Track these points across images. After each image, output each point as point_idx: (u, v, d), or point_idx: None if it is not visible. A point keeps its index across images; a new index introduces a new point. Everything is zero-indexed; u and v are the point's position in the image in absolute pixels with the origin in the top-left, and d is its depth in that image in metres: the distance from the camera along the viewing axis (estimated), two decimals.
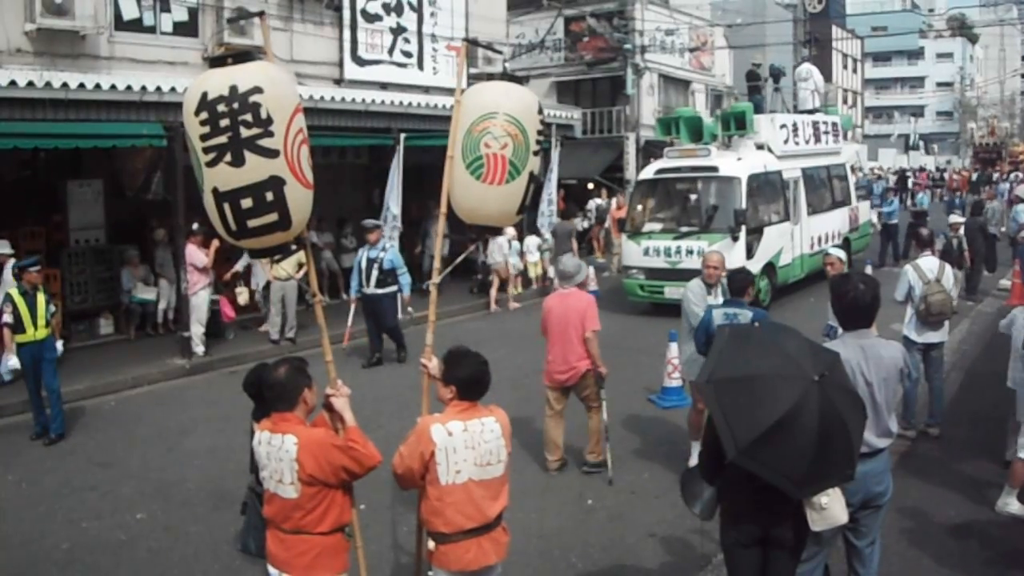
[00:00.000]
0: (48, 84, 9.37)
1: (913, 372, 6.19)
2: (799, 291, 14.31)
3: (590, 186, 23.19)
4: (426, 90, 15.49)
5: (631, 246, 13.41)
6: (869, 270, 12.14)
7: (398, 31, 15.78)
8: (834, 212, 15.76)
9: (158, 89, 10.22)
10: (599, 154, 23.30)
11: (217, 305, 11.61)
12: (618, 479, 6.60)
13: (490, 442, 3.53)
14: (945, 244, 12.22)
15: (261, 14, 4.18)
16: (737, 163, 12.99)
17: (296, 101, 3.58)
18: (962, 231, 13.05)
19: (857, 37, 53.23)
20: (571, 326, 6.54)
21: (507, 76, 4.42)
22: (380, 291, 10.50)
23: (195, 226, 10.52)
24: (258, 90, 3.37)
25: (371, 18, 15.33)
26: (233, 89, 3.35)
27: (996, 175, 34.01)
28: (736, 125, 13.74)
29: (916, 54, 69.91)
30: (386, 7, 15.56)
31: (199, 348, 10.93)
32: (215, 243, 10.39)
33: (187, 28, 12.68)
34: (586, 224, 20.49)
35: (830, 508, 3.41)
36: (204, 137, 3.40)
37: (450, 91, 12.09)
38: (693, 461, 6.26)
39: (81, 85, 9.64)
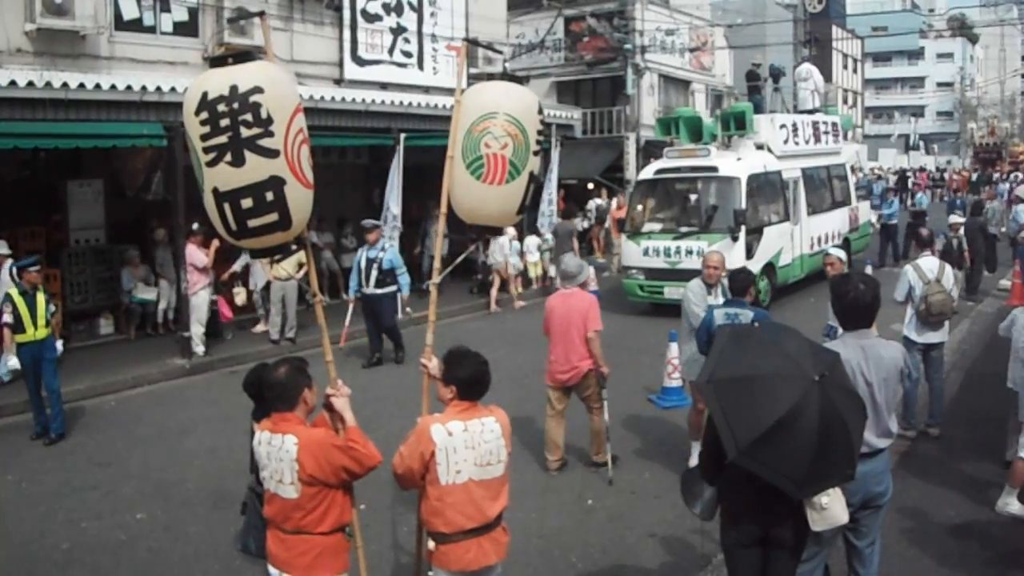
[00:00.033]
0: (48, 84, 9.37)
1: (913, 372, 6.19)
2: (799, 291, 14.31)
3: (590, 186, 23.19)
4: (426, 90, 15.49)
5: (631, 246, 13.41)
6: (869, 270, 12.14)
7: (398, 31, 15.79)
8: (834, 212, 15.76)
9: (158, 89, 10.22)
10: (599, 154, 23.30)
11: (215, 305, 11.62)
12: (618, 479, 6.60)
13: (490, 442, 3.53)
14: (945, 244, 12.22)
15: (261, 14, 4.17)
16: (737, 163, 12.99)
17: (296, 101, 3.58)
18: (962, 231, 13.05)
19: (857, 37, 53.22)
20: (573, 326, 6.54)
21: (507, 76, 4.42)
22: (379, 291, 10.50)
23: (195, 226, 10.52)
24: (258, 90, 3.37)
25: (371, 18, 15.34)
26: (233, 89, 3.35)
27: (996, 175, 34.04)
28: (736, 125, 13.74)
29: (916, 54, 69.92)
30: (386, 7, 15.57)
31: (199, 348, 10.93)
32: (215, 243, 10.40)
33: (187, 28, 12.68)
34: (586, 224, 20.49)
35: (831, 508, 3.41)
36: (204, 137, 3.40)
37: (450, 91, 12.11)
38: (693, 461, 6.26)
39: (81, 85, 9.64)
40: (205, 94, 3.38)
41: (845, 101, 45.66)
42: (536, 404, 7.37)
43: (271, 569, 3.50)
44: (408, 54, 15.99)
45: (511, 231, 13.99)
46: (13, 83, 9.09)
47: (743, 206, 12.44)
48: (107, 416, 9.04)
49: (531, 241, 15.74)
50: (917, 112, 67.44)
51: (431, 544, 3.55)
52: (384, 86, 14.91)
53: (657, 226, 13.34)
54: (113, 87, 9.91)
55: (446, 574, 3.55)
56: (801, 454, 3.09)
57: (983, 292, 14.12)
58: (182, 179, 10.20)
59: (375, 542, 5.31)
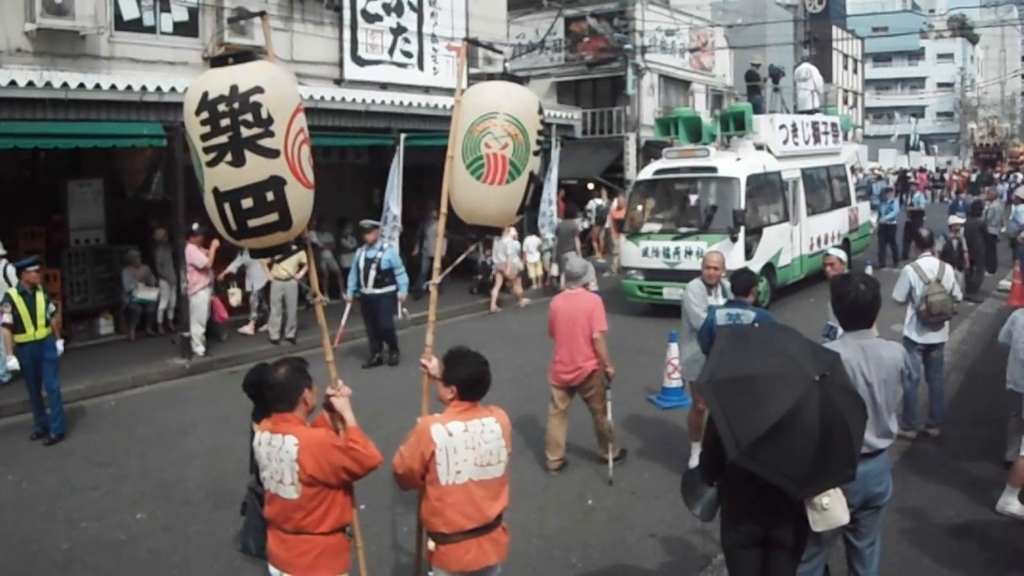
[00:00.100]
0: (48, 84, 9.37)
1: (913, 373, 6.18)
2: (799, 292, 14.31)
3: (590, 186, 23.19)
4: (426, 90, 15.49)
5: (630, 247, 13.40)
6: (869, 271, 12.14)
7: (398, 31, 15.79)
8: (834, 213, 15.75)
9: (158, 89, 10.23)
10: (599, 154, 23.30)
11: (211, 306, 11.61)
12: (618, 479, 6.60)
13: (490, 442, 3.53)
14: (945, 245, 12.23)
15: (262, 14, 4.18)
16: (736, 163, 12.98)
17: (297, 101, 3.58)
18: (962, 232, 13.06)
19: (857, 37, 53.22)
20: (578, 327, 6.55)
21: (507, 76, 4.42)
22: (378, 291, 10.51)
23: (195, 226, 10.53)
24: (259, 90, 3.37)
25: (371, 18, 15.34)
26: (234, 89, 3.35)
27: (996, 176, 34.04)
28: (735, 125, 13.73)
29: (916, 55, 69.90)
30: (386, 7, 15.57)
31: (199, 348, 10.93)
32: (215, 243, 10.41)
33: (187, 28, 12.68)
34: (586, 224, 20.49)
35: (831, 508, 3.41)
36: (205, 137, 3.40)
37: (450, 91, 12.10)
38: (693, 462, 6.26)
39: (81, 85, 9.64)
40: (205, 94, 3.38)
41: (845, 101, 45.66)
42: (536, 404, 7.37)
43: (272, 569, 3.50)
44: (408, 54, 15.98)
45: (513, 231, 13.99)
46: (13, 83, 9.10)
47: (742, 206, 12.43)
48: (107, 416, 9.04)
49: (531, 241, 15.74)
50: (917, 112, 67.40)
51: (431, 544, 3.55)
52: (384, 86, 14.91)
53: (656, 227, 13.33)
54: (113, 87, 9.91)
55: (446, 574, 3.55)
56: (802, 454, 3.09)
57: (983, 292, 14.13)
58: (182, 179, 10.20)
59: (375, 542, 5.31)
